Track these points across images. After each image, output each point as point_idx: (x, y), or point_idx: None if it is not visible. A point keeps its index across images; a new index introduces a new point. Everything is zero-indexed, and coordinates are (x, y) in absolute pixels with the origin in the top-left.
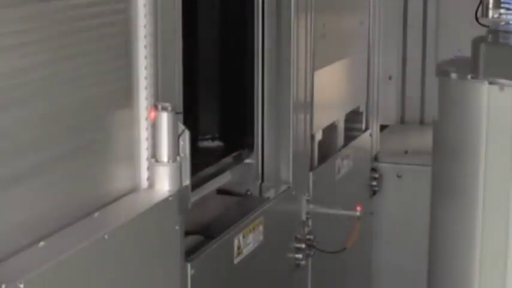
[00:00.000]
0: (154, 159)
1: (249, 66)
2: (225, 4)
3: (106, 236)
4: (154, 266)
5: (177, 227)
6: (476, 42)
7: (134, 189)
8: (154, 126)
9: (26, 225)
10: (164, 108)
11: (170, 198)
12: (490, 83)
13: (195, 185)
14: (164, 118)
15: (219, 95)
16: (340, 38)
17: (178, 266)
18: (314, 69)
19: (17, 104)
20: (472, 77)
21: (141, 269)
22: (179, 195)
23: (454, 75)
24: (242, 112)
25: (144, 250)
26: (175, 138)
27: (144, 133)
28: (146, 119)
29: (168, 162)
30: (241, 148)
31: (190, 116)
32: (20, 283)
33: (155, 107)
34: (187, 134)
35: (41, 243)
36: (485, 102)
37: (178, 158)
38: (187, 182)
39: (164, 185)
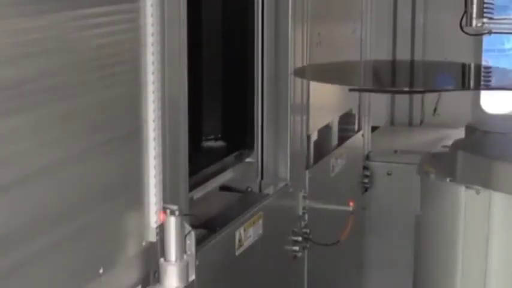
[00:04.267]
0: (163, 258)
1: (250, 72)
2: (227, 14)
3: None
4: None
5: None
6: (455, 147)
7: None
8: (163, 228)
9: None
10: (172, 213)
11: None
12: (467, 187)
13: (200, 182)
14: (172, 222)
15: (222, 99)
16: (334, 45)
17: None
18: None
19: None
20: (450, 180)
21: None
22: None
23: (433, 177)
24: (243, 114)
25: None
26: (182, 239)
27: (153, 236)
28: (155, 222)
29: (176, 261)
30: (242, 148)
31: (195, 118)
32: None
33: (164, 210)
34: (193, 234)
35: None
36: (463, 204)
37: (185, 257)
38: (193, 277)
39: (172, 282)
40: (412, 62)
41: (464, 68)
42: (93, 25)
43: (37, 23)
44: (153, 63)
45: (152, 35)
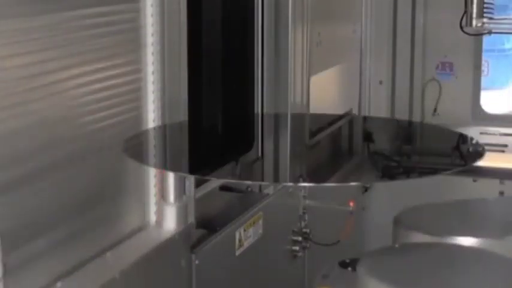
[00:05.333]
0: (162, 199)
1: (250, 73)
2: (227, 14)
3: (117, 276)
4: None
5: (183, 263)
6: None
7: (144, 226)
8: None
9: (46, 266)
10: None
11: (176, 236)
12: None
13: (200, 182)
14: None
15: (222, 99)
16: (334, 45)
17: None
18: (310, 74)
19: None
20: None
21: None
22: (184, 233)
23: None
24: (244, 115)
25: (152, 285)
26: (181, 180)
27: (152, 175)
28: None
29: (175, 202)
30: (242, 147)
31: (195, 117)
32: None
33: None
34: (192, 176)
35: (59, 284)
36: None
37: (184, 198)
38: (191, 219)
39: (171, 223)
40: None
41: None
42: (94, 25)
43: (38, 23)
44: (153, 63)
45: (152, 35)
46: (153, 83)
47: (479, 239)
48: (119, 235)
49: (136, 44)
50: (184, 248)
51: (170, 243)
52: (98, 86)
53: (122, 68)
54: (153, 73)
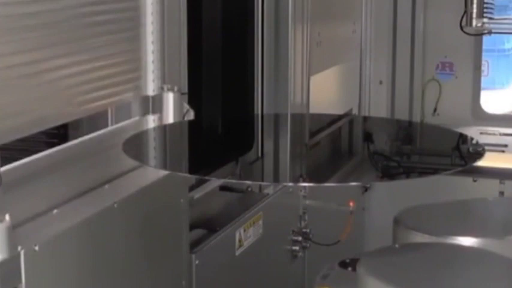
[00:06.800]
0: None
1: (250, 73)
2: (227, 13)
3: (116, 205)
4: (159, 234)
5: (182, 200)
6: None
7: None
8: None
9: (42, 195)
10: (170, 89)
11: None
12: None
13: (200, 182)
14: (170, 98)
15: (222, 98)
16: (334, 45)
17: (183, 235)
18: (310, 74)
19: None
20: None
21: (147, 236)
22: None
23: None
24: (244, 115)
25: (150, 220)
26: (180, 117)
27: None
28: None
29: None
30: (242, 147)
31: (195, 117)
32: (35, 245)
33: (162, 88)
34: (191, 114)
35: (55, 211)
36: None
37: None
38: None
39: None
40: None
41: None
42: (94, 23)
43: (37, 21)
44: (153, 62)
45: (152, 33)
46: (153, 81)
47: (479, 239)
48: (117, 171)
49: (136, 43)
50: (183, 186)
51: (169, 179)
52: (97, 84)
53: (122, 67)
54: (153, 72)
